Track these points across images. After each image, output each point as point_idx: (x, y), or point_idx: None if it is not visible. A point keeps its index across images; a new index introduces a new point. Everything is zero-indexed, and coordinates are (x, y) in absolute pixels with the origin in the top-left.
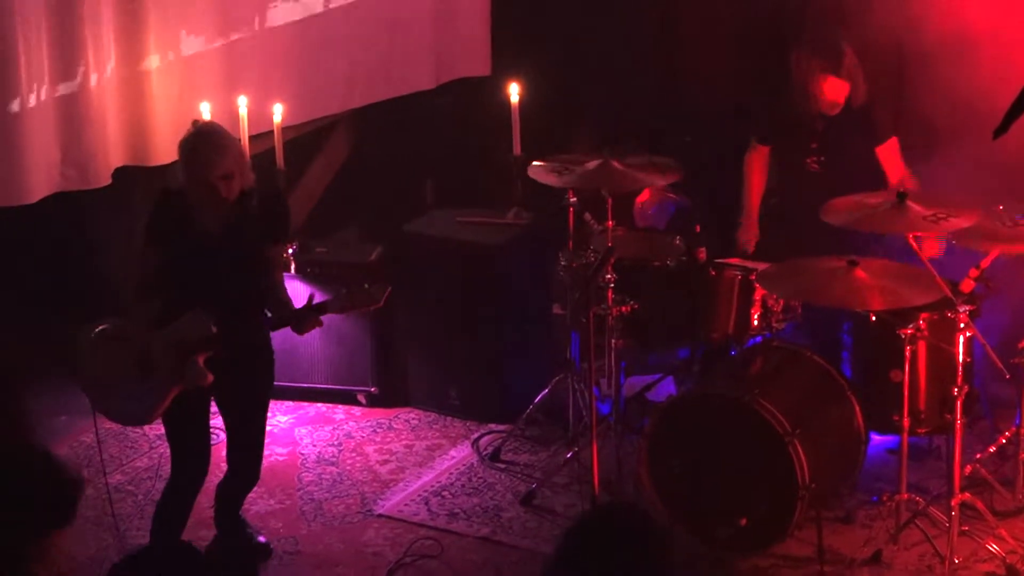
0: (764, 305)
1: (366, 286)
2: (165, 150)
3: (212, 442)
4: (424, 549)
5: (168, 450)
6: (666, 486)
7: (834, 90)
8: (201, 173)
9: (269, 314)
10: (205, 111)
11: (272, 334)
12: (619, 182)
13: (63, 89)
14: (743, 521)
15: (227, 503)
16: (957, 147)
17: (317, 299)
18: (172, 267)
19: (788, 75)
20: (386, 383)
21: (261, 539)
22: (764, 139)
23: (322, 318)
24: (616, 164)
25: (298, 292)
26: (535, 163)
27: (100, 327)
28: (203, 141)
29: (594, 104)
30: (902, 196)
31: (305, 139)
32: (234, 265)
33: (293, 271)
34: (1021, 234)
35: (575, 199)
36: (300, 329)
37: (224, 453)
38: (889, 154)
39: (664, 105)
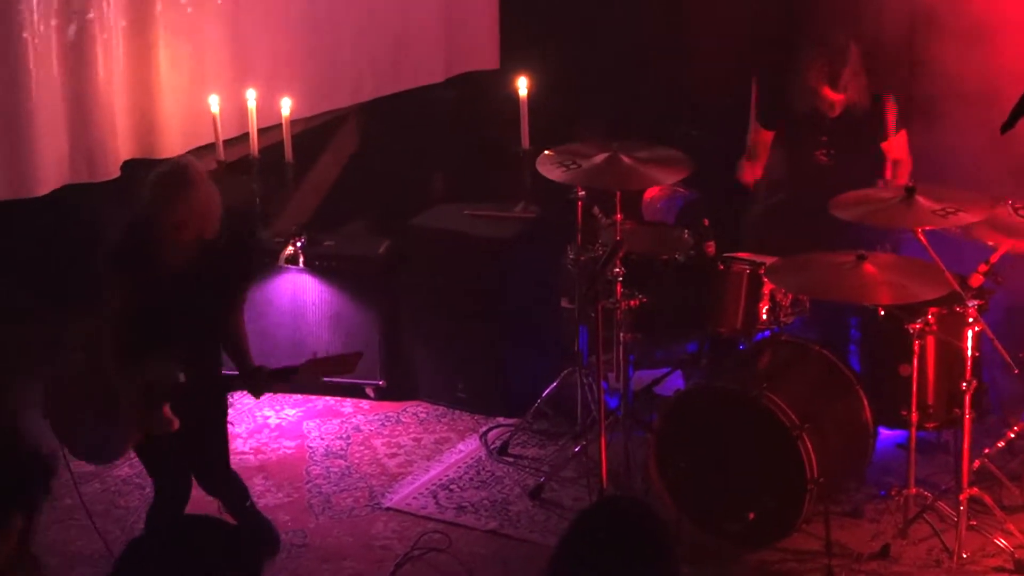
0: (772, 299)
1: (340, 354)
2: (174, 143)
3: None
4: (432, 542)
5: None
6: (674, 480)
7: (831, 95)
8: (154, 215)
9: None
10: (214, 104)
11: (280, 325)
12: (627, 177)
13: (73, 80)
14: (751, 515)
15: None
16: (966, 141)
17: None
18: (134, 303)
19: (795, 71)
20: (394, 376)
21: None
22: (768, 123)
23: (322, 307)
24: (624, 158)
25: (306, 286)
26: (543, 155)
27: (74, 355)
28: (164, 183)
29: (602, 98)
30: (911, 191)
31: (314, 132)
32: (192, 308)
33: (301, 264)
34: None
35: (583, 193)
36: (256, 393)
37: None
38: (896, 147)
39: (673, 98)
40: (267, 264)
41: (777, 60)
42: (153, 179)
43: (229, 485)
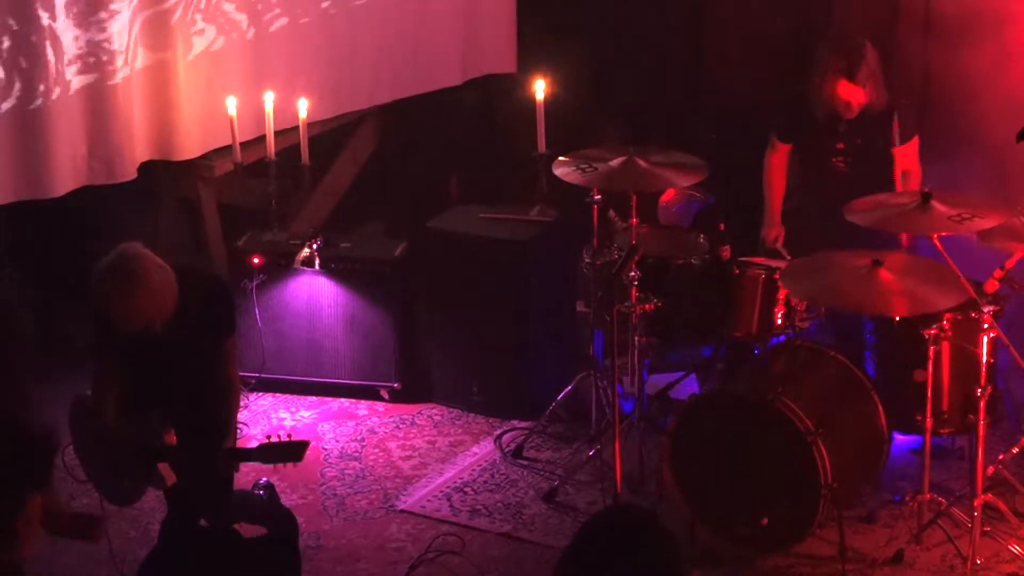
0: (788, 304)
1: (289, 438)
2: (191, 145)
3: None
4: (446, 545)
5: None
6: (689, 484)
7: (848, 93)
8: (127, 320)
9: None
10: (231, 106)
11: (296, 327)
12: (643, 181)
13: (90, 82)
14: (765, 520)
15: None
16: (982, 148)
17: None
18: (125, 364)
19: (808, 75)
20: (409, 379)
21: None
22: (785, 137)
23: (338, 310)
24: (641, 162)
25: (322, 289)
26: (560, 159)
27: (82, 413)
28: (110, 280)
29: (619, 101)
30: (926, 196)
31: (330, 135)
32: (180, 367)
33: (317, 267)
34: None
35: (599, 196)
36: (221, 466)
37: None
38: (906, 154)
39: (690, 102)
40: (283, 266)
41: (792, 67)
42: (99, 277)
43: (227, 521)
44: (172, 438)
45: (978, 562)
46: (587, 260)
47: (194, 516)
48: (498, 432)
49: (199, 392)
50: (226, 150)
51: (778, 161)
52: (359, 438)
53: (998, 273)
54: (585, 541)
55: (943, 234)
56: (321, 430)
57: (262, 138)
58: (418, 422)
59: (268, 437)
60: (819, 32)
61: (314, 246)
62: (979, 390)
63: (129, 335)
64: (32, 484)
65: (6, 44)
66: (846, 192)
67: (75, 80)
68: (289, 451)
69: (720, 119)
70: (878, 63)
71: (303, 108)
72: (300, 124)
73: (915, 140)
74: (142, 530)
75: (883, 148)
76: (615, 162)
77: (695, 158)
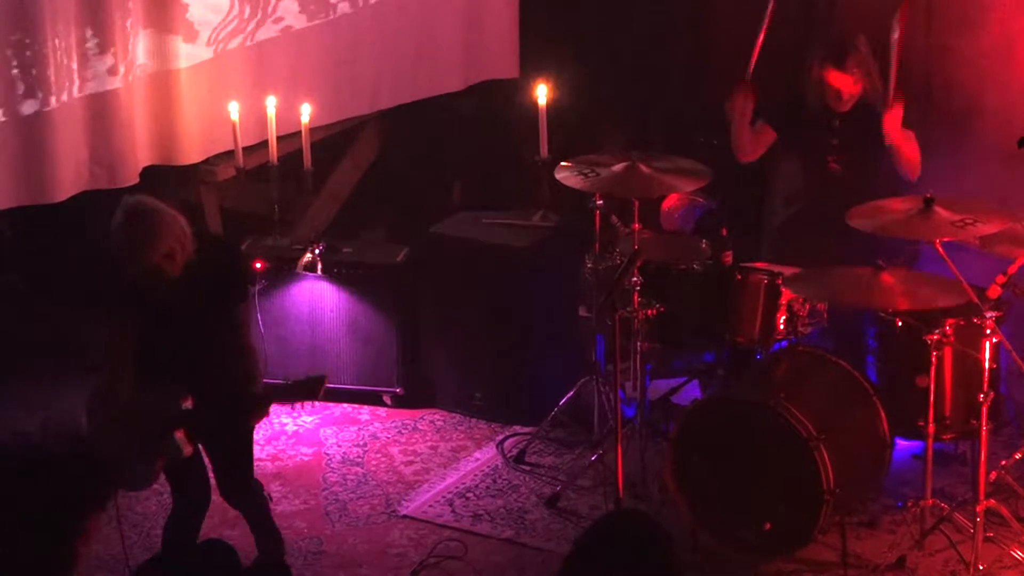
0: (790, 309)
1: (304, 378)
2: (193, 150)
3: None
4: (448, 550)
5: None
6: (691, 490)
7: (838, 80)
8: (142, 259)
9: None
10: (234, 111)
11: (298, 332)
12: (645, 187)
13: (92, 87)
14: (767, 525)
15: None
16: (984, 151)
17: None
18: (135, 341)
19: (805, 65)
20: (411, 384)
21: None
22: (774, 124)
23: (341, 315)
24: (643, 167)
25: (325, 294)
26: (562, 164)
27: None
28: (137, 225)
29: (622, 107)
30: (928, 201)
31: (332, 140)
32: (192, 330)
33: (320, 272)
34: None
35: (602, 202)
36: (245, 421)
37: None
38: (892, 124)
39: (692, 108)
40: (285, 271)
41: (792, 68)
42: (126, 228)
43: (246, 499)
44: (189, 403)
45: (980, 568)
46: (589, 265)
47: (203, 498)
48: (500, 437)
49: (215, 359)
50: (228, 155)
51: (751, 138)
52: (361, 443)
53: (1000, 279)
54: (587, 546)
55: (945, 240)
56: (323, 435)
57: (264, 143)
58: (420, 427)
59: (286, 379)
60: (820, 31)
61: (316, 251)
62: (982, 395)
63: (144, 299)
64: (94, 506)
65: (9, 51)
66: (843, 195)
67: (77, 85)
68: (307, 389)
69: (723, 124)
70: (872, 55)
71: (305, 113)
72: (302, 129)
73: (899, 107)
74: (144, 535)
75: (878, 146)
76: (617, 167)
77: (698, 164)
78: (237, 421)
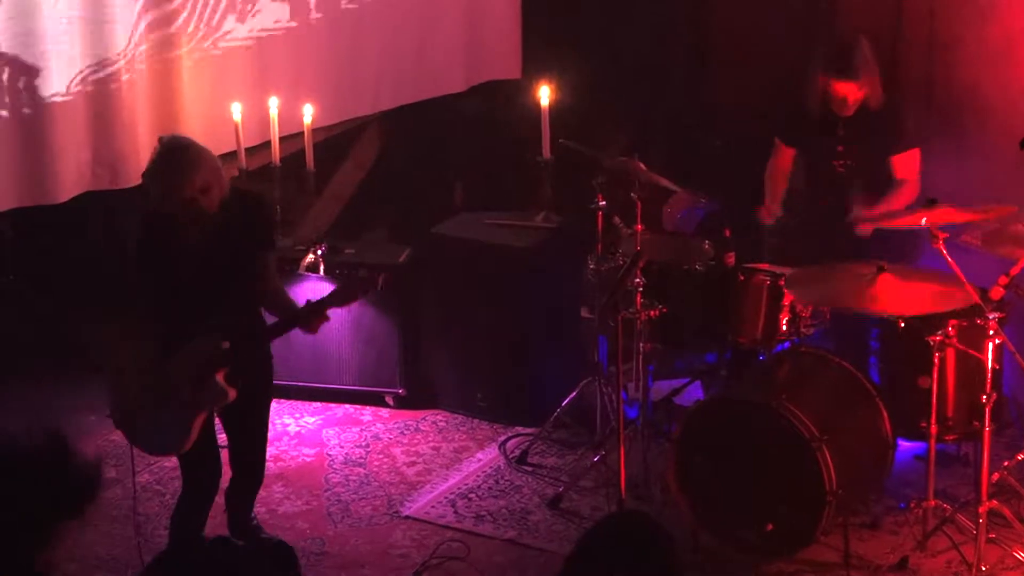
0: (792, 310)
1: (360, 274)
2: None
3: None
4: (451, 551)
5: None
6: (693, 490)
7: (842, 86)
8: (179, 191)
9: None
10: (236, 112)
11: (300, 333)
12: (645, 178)
13: (93, 86)
14: (770, 526)
15: (238, 507)
16: (987, 154)
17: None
18: (167, 289)
19: (809, 70)
20: (414, 385)
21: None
22: (788, 140)
23: (343, 315)
24: (642, 167)
25: (325, 293)
26: (561, 140)
27: (115, 359)
28: (176, 157)
29: (623, 107)
30: (931, 203)
31: (335, 140)
32: (227, 275)
33: (322, 272)
34: None
35: (604, 202)
36: (309, 326)
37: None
38: (905, 164)
39: (694, 109)
40: (288, 272)
41: (794, 70)
42: (164, 160)
43: (256, 469)
44: (226, 345)
45: (983, 569)
46: (592, 266)
47: (214, 479)
48: (503, 438)
49: (247, 302)
50: (231, 156)
51: (781, 164)
52: (364, 444)
53: (1003, 280)
54: (587, 547)
55: (945, 225)
56: (326, 436)
57: (267, 144)
58: (423, 428)
59: (339, 272)
60: (823, 33)
61: (319, 252)
62: (984, 397)
63: (180, 254)
64: (73, 518)
65: (9, 49)
66: (846, 197)
67: (79, 86)
68: (364, 283)
69: (725, 125)
70: (875, 59)
71: (308, 114)
72: (305, 130)
73: (916, 152)
74: (147, 536)
75: (882, 151)
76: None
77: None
78: (301, 322)
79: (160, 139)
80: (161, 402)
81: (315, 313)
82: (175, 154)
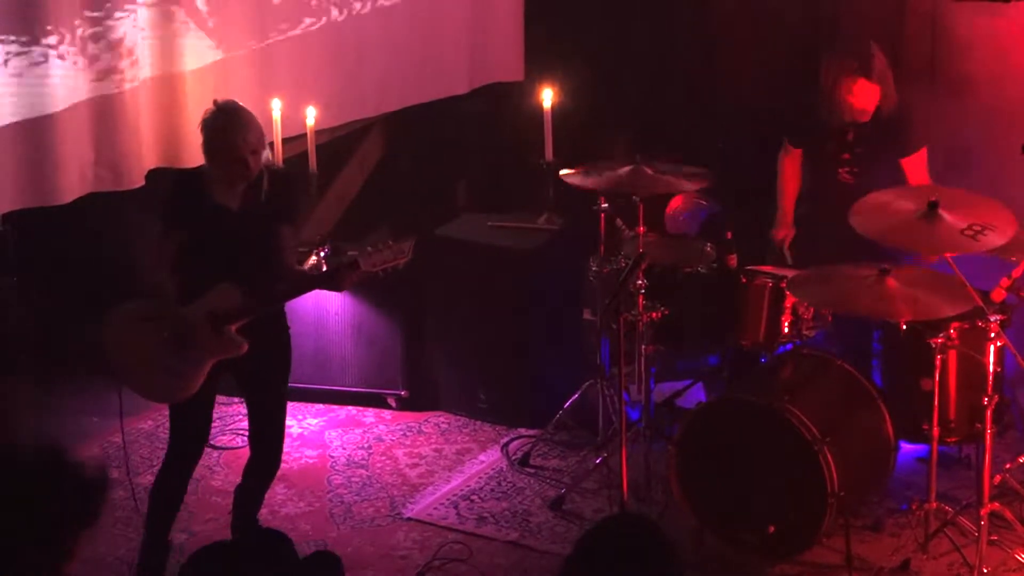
0: (795, 312)
1: (390, 242)
2: (199, 152)
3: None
4: (453, 553)
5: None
6: (695, 492)
7: (863, 94)
8: (233, 150)
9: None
10: None
11: (303, 335)
12: (647, 185)
13: (97, 88)
14: (771, 528)
15: (248, 499)
16: (991, 158)
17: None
18: (192, 246)
19: (818, 82)
20: (416, 387)
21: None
22: (796, 141)
23: (346, 317)
24: (647, 170)
25: (329, 296)
26: (563, 172)
27: (127, 307)
28: (232, 118)
29: (626, 110)
30: (933, 205)
31: (338, 142)
32: (251, 243)
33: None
34: None
35: (606, 205)
36: (338, 284)
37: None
38: (915, 166)
39: (697, 110)
40: None
41: (799, 73)
42: (221, 120)
43: (274, 448)
44: (241, 298)
45: (984, 571)
46: (594, 268)
47: (198, 446)
48: (505, 440)
49: (265, 270)
50: None
51: (791, 164)
52: (366, 446)
53: (1005, 282)
54: (586, 549)
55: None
56: (328, 438)
57: (270, 145)
58: (425, 430)
59: (369, 248)
60: (825, 37)
61: (321, 253)
62: (986, 399)
63: (208, 214)
64: (83, 527)
65: (13, 53)
66: (852, 204)
67: (83, 88)
68: (396, 250)
69: (728, 127)
70: (886, 64)
71: (311, 116)
72: (308, 132)
73: (923, 152)
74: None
75: (890, 158)
76: (622, 171)
77: (700, 169)
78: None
79: (215, 102)
80: (174, 347)
81: (349, 268)
82: (235, 114)
